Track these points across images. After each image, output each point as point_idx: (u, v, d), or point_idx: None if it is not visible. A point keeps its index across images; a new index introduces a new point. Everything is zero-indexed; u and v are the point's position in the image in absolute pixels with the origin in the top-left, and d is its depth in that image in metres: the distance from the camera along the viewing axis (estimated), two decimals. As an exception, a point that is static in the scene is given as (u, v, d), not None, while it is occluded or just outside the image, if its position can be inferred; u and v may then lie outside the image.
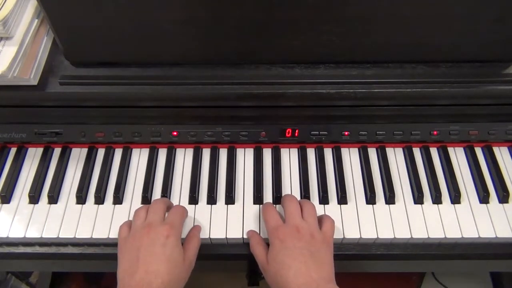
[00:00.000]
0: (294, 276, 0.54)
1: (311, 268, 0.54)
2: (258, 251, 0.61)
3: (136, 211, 0.62)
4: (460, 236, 0.64)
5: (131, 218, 0.66)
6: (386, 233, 0.64)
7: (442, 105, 0.69)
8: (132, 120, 0.71)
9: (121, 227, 0.62)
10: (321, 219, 0.63)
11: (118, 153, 0.73)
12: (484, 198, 0.67)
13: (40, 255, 0.66)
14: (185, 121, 0.72)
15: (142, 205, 0.67)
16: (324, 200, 0.68)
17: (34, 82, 0.65)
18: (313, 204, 0.63)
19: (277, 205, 0.67)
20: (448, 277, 1.27)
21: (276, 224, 0.60)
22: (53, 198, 0.68)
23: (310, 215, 0.61)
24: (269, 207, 0.63)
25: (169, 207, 0.65)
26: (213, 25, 0.62)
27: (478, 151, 0.73)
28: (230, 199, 0.68)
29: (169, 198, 0.69)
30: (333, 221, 0.62)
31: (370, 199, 0.68)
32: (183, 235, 0.63)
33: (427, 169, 0.71)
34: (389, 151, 0.73)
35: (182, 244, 0.60)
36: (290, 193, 0.69)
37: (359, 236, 0.64)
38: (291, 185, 0.70)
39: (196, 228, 0.64)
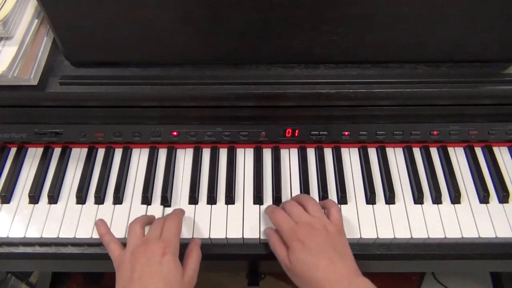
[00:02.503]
0: (324, 274, 0.54)
1: (337, 263, 0.54)
2: (279, 250, 0.60)
3: (131, 227, 0.60)
4: (460, 236, 0.64)
5: (131, 219, 0.66)
6: (386, 233, 0.64)
7: (442, 105, 0.69)
8: (132, 120, 0.71)
9: (107, 245, 0.61)
10: (324, 208, 0.63)
11: (118, 153, 0.73)
12: (484, 198, 0.67)
13: (40, 255, 0.66)
14: (185, 121, 0.72)
15: (139, 218, 0.63)
16: (324, 200, 0.68)
17: (34, 82, 0.65)
18: (313, 198, 0.63)
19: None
20: (448, 277, 1.27)
21: (290, 225, 0.59)
22: (53, 198, 0.68)
23: (315, 210, 0.60)
24: (276, 210, 0.62)
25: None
26: (213, 25, 0.62)
27: (478, 151, 0.73)
28: (230, 199, 0.68)
29: (169, 199, 0.69)
30: (338, 208, 0.62)
31: (370, 199, 0.68)
32: (185, 234, 0.63)
33: (427, 169, 0.71)
34: (389, 151, 0.73)
35: (183, 258, 0.59)
36: (290, 193, 0.69)
37: (359, 236, 0.64)
38: (291, 185, 0.70)
39: (195, 242, 0.63)
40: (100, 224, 0.64)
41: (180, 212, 0.65)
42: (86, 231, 0.65)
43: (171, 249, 0.56)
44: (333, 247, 0.56)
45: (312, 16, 0.60)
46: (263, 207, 0.67)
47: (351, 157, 0.73)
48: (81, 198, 0.68)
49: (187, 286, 0.57)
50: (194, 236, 0.64)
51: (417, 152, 0.73)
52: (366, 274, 0.56)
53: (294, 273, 0.57)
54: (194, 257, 0.60)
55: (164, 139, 0.72)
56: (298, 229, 0.58)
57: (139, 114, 0.70)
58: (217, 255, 0.66)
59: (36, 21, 0.68)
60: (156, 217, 0.65)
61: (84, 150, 0.74)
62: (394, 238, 0.64)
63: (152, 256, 0.55)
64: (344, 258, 0.56)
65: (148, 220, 0.63)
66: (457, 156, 0.73)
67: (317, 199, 0.68)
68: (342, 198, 0.68)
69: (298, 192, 0.69)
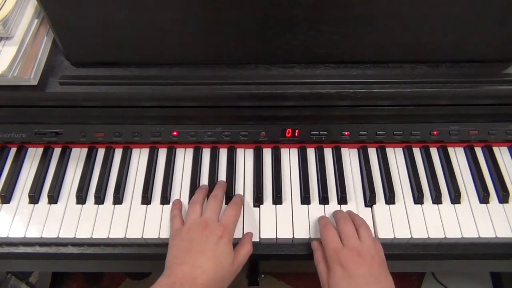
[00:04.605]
0: None
1: None
2: (321, 268, 0.60)
3: (191, 206, 0.63)
4: (460, 236, 0.64)
5: (131, 219, 0.66)
6: (386, 233, 0.64)
7: (442, 105, 0.69)
8: (132, 120, 0.71)
9: (173, 218, 0.64)
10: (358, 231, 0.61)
11: (118, 153, 0.73)
12: (484, 198, 0.67)
13: (40, 255, 0.66)
14: (185, 121, 0.72)
15: (197, 195, 0.66)
16: (324, 200, 0.68)
17: (34, 82, 0.65)
18: (367, 223, 0.62)
19: (277, 205, 0.67)
20: (448, 277, 1.27)
21: (336, 247, 0.58)
22: (53, 198, 0.68)
23: (367, 237, 0.59)
24: (329, 228, 0.61)
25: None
26: (213, 25, 0.62)
27: (478, 151, 0.73)
28: (230, 200, 0.68)
29: (169, 198, 0.69)
30: (378, 242, 0.60)
31: (370, 199, 0.68)
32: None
33: (427, 169, 0.71)
34: (389, 151, 0.73)
35: (234, 246, 0.60)
36: (290, 193, 0.69)
37: (359, 236, 0.64)
38: (291, 185, 0.70)
39: (249, 235, 0.64)
40: (177, 202, 0.67)
41: (241, 200, 0.66)
42: (86, 231, 0.65)
43: (228, 235, 0.59)
44: (376, 278, 0.54)
45: (312, 16, 0.60)
46: (263, 206, 0.67)
47: (351, 157, 0.73)
48: (81, 198, 0.68)
49: (234, 272, 0.59)
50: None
51: (417, 152, 0.73)
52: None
53: None
54: (246, 249, 0.62)
55: (164, 139, 0.72)
56: (343, 254, 0.56)
57: (139, 114, 0.70)
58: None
59: (36, 21, 0.68)
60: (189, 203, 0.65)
61: (84, 150, 0.74)
62: (394, 238, 0.64)
63: (210, 236, 0.57)
64: None
65: (204, 193, 0.67)
66: (457, 156, 0.73)
67: (317, 199, 0.68)
68: (342, 198, 0.68)
69: (298, 192, 0.69)
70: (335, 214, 0.65)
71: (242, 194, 0.69)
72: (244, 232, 0.65)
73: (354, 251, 0.56)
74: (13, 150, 0.74)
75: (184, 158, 0.73)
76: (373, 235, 0.64)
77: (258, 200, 0.68)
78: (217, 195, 0.65)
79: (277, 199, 0.68)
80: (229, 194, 0.68)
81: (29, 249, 0.66)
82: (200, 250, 0.56)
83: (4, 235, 0.65)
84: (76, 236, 0.65)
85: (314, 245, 0.63)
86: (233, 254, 0.59)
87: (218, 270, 0.55)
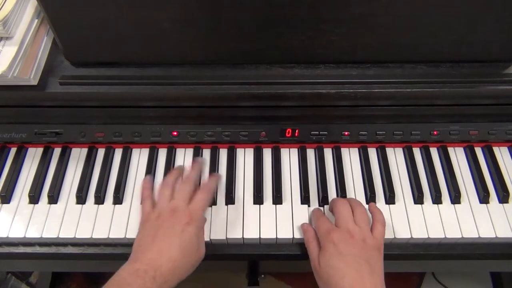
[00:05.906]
0: (349, 285, 0.53)
1: (365, 276, 0.53)
2: (312, 247, 0.60)
3: (161, 189, 0.62)
4: (460, 236, 0.64)
5: (131, 219, 0.66)
6: (386, 233, 0.64)
7: (442, 105, 0.69)
8: (132, 120, 0.71)
9: (144, 200, 0.63)
10: (371, 213, 0.62)
11: (118, 153, 0.73)
12: (484, 198, 0.67)
13: (40, 255, 0.66)
14: (185, 121, 0.72)
15: (168, 177, 0.64)
16: (324, 200, 0.68)
17: (34, 82, 0.65)
18: (364, 208, 0.62)
19: (277, 205, 0.67)
20: (448, 277, 1.27)
21: (328, 228, 0.59)
22: (53, 198, 0.68)
23: (362, 220, 0.60)
24: (319, 214, 0.63)
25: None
26: (213, 25, 0.62)
27: (478, 151, 0.73)
28: (230, 200, 0.68)
29: (169, 198, 0.69)
30: (384, 224, 0.61)
31: (370, 199, 0.68)
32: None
33: (427, 169, 0.71)
34: (389, 151, 0.73)
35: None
36: (290, 193, 0.69)
37: (359, 236, 0.64)
38: (291, 185, 0.70)
39: (206, 186, 0.63)
40: (148, 180, 0.67)
41: (214, 183, 0.65)
42: (86, 231, 0.65)
43: (196, 221, 0.58)
44: (366, 260, 0.55)
45: (312, 16, 0.60)
46: (263, 206, 0.67)
47: (351, 157, 0.73)
48: (81, 198, 0.68)
49: (199, 258, 0.59)
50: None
51: (417, 152, 0.73)
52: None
53: (320, 277, 0.57)
54: (203, 198, 0.61)
55: (164, 139, 0.72)
56: (336, 234, 0.57)
57: (139, 114, 0.70)
58: (217, 255, 0.66)
59: (36, 21, 0.68)
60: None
61: (84, 150, 0.74)
62: (394, 238, 0.64)
63: (177, 223, 0.57)
64: (374, 274, 0.54)
65: (178, 175, 0.65)
66: (457, 156, 0.73)
67: (316, 199, 0.68)
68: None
69: (298, 192, 0.69)
70: (334, 199, 0.65)
71: (242, 194, 0.69)
72: (244, 232, 0.65)
73: (346, 232, 0.57)
74: (13, 150, 0.74)
75: (184, 158, 0.73)
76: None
77: (258, 200, 0.68)
78: (189, 178, 0.64)
79: (277, 199, 0.68)
80: (229, 194, 0.68)
81: (29, 249, 0.66)
82: (167, 237, 0.56)
83: (4, 235, 0.65)
84: (76, 236, 0.65)
85: (304, 226, 0.64)
86: (198, 241, 0.58)
87: (183, 258, 0.55)
